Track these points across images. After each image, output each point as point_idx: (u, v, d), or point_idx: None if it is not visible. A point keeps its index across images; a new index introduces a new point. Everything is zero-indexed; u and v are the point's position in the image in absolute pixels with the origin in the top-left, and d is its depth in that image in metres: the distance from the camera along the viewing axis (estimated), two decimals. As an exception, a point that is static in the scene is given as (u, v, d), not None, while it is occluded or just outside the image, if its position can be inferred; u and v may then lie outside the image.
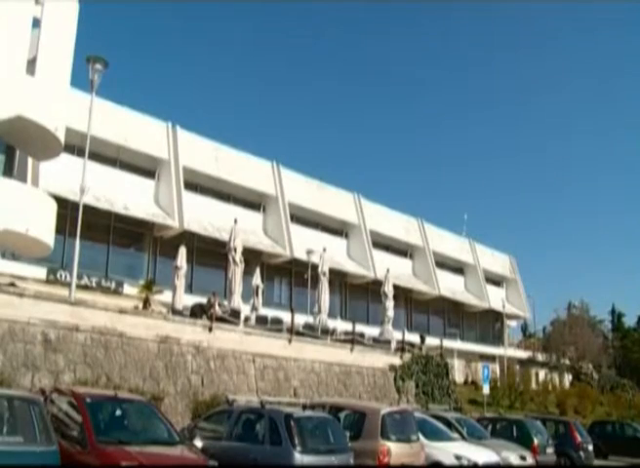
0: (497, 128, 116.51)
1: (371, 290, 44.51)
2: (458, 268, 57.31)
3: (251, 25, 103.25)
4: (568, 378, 55.42)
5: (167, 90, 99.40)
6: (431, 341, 34.93)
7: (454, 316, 56.66)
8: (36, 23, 19.78)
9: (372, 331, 32.00)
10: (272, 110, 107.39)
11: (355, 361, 25.84)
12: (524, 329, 72.52)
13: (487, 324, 60.17)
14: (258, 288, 28.83)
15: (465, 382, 42.66)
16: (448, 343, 40.90)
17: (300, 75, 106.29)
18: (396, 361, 27.91)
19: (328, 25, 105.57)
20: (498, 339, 58.64)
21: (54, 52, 20.12)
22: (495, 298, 57.15)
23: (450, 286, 54.07)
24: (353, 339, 27.02)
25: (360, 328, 29.79)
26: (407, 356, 28.66)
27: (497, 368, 49.13)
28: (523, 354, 58.81)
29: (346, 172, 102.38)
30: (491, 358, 51.79)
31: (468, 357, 49.68)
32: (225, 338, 21.14)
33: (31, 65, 19.46)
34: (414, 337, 33.55)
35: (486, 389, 31.34)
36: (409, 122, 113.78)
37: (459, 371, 43.90)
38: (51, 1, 19.99)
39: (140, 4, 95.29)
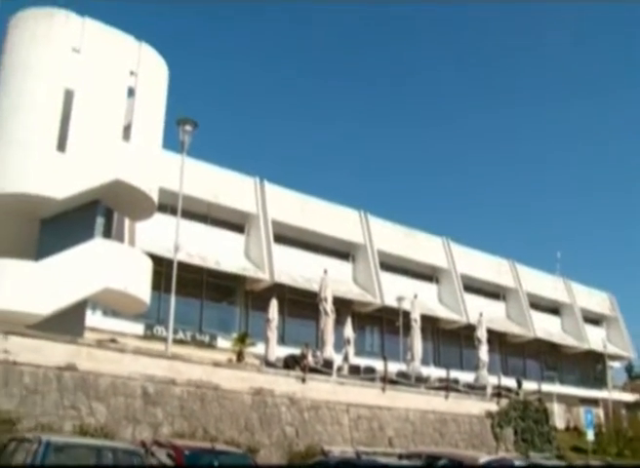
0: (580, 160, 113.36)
1: (463, 335, 43.86)
2: (553, 309, 55.73)
3: (330, 79, 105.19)
4: (684, 423, 52.50)
5: (253, 145, 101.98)
6: (528, 386, 34.01)
7: (551, 358, 54.90)
8: (131, 92, 21.00)
9: (466, 376, 31.46)
10: (356, 160, 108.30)
11: (450, 408, 25.48)
12: (629, 370, 69.14)
13: (587, 366, 57.97)
14: (349, 337, 28.93)
15: (567, 428, 41.09)
16: (546, 387, 39.73)
17: (378, 124, 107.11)
18: (493, 407, 27.34)
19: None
20: (600, 382, 56.30)
21: (147, 117, 21.22)
22: (594, 339, 55.14)
23: (545, 327, 52.56)
24: (447, 386, 26.68)
25: (454, 374, 29.35)
26: (504, 402, 28.02)
27: (600, 412, 47.17)
28: (629, 397, 56.20)
29: (434, 216, 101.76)
30: (593, 402, 49.78)
31: (569, 401, 47.97)
32: (319, 389, 21.29)
33: (127, 131, 20.59)
34: (510, 382, 32.73)
35: (590, 435, 30.16)
36: (495, 158, 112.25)
37: (559, 417, 42.41)
38: (144, 71, 21.17)
39: (217, 60, 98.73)
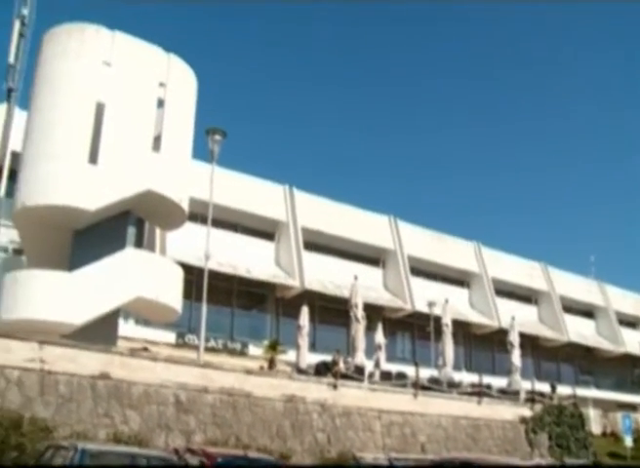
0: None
1: (496, 339, 43.57)
2: (587, 312, 55.06)
3: (353, 82, 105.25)
4: None
5: (281, 152, 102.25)
6: (563, 390, 33.64)
7: (585, 362, 54.17)
8: (160, 103, 21.33)
9: (499, 381, 31.30)
10: (385, 165, 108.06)
11: (483, 414, 25.36)
12: (669, 373, 67.90)
13: (624, 369, 57.06)
14: (380, 343, 28.95)
15: (604, 434, 40.49)
16: (581, 392, 39.23)
17: (406, 125, 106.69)
18: (526, 412, 27.14)
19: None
20: (638, 386, 55.40)
21: (176, 128, 21.54)
22: (631, 341, 54.24)
23: (579, 330, 51.96)
24: (480, 392, 26.57)
25: (486, 379, 29.17)
26: (537, 407, 27.79)
27: (639, 417, 46.41)
28: (670, 401, 55.25)
29: (464, 220, 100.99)
30: (631, 407, 49.01)
31: (605, 406, 47.36)
32: (350, 395, 21.34)
33: (157, 142, 20.90)
34: (543, 387, 32.44)
35: (628, 441, 29.72)
36: (525, 161, 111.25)
37: (595, 422, 41.88)
38: (173, 82, 21.49)
39: (244, 66, 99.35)
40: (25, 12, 20.13)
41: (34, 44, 20.83)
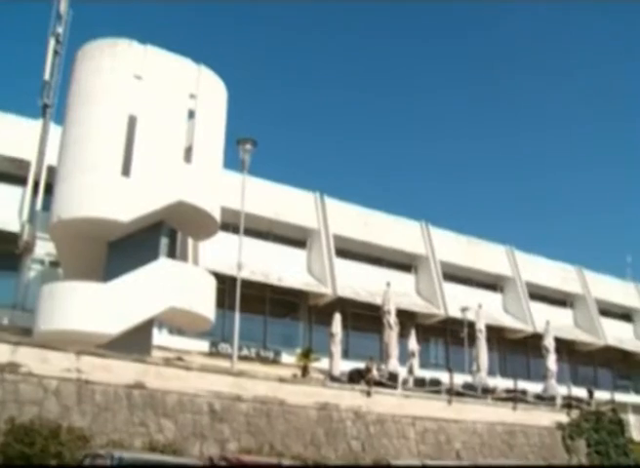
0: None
1: (530, 344, 43.11)
2: (624, 315, 54.15)
3: (370, 93, 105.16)
4: None
5: (312, 159, 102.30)
6: (600, 396, 33.19)
7: (624, 367, 53.24)
8: (191, 114, 21.64)
9: (534, 387, 30.98)
10: (416, 170, 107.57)
11: (519, 420, 25.14)
12: None
13: (665, 373, 56.11)
14: (414, 350, 28.86)
15: (645, 440, 39.81)
16: (620, 397, 38.68)
17: (433, 132, 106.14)
18: (563, 418, 26.82)
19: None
20: (679, 391, 54.45)
21: (207, 138, 21.83)
22: (672, 345, 53.32)
23: (616, 334, 51.03)
24: (515, 397, 26.35)
25: (521, 384, 28.88)
26: (575, 412, 27.43)
27: (682, 423, 45.51)
28: None
29: (497, 224, 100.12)
30: (673, 413, 48.12)
31: (645, 412, 46.57)
32: (384, 402, 21.32)
33: (188, 153, 21.19)
34: (580, 392, 32.03)
35: (672, 448, 29.16)
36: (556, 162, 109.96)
37: (635, 428, 41.19)
38: (203, 93, 21.79)
39: (273, 74, 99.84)
40: (60, 30, 20.61)
41: (67, 60, 21.30)
